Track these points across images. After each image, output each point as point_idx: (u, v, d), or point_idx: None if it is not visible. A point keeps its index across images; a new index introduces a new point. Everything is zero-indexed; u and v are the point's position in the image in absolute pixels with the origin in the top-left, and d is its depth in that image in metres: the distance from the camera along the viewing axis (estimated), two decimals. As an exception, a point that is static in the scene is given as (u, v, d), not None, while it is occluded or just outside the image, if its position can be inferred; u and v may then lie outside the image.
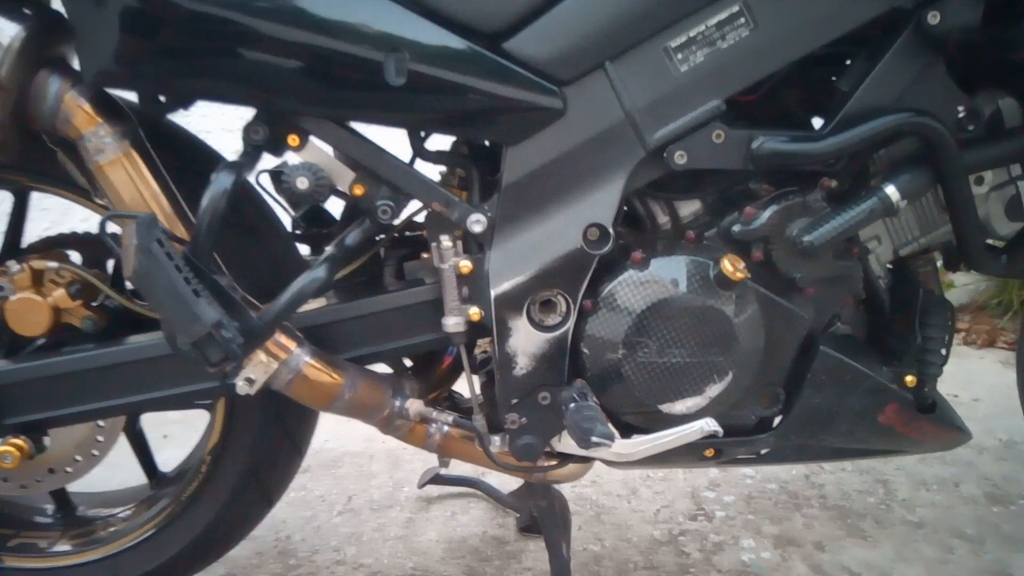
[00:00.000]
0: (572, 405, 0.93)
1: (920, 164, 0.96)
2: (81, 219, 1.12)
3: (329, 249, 0.92)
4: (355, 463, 1.80)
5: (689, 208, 1.03)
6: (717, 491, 1.61)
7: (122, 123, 0.86)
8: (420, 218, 1.17)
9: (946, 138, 0.93)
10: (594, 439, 0.85)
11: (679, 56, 0.91)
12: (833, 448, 1.11)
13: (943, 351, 1.08)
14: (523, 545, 1.45)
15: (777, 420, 1.06)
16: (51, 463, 1.03)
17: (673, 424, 0.98)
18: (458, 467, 1.74)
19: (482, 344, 1.09)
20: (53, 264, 0.93)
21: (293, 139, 0.89)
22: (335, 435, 1.90)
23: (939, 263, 1.14)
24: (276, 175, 1.21)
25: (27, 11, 0.81)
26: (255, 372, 0.88)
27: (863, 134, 0.92)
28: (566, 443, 1.01)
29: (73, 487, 1.18)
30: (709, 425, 0.95)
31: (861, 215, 0.94)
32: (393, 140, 0.97)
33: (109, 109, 0.86)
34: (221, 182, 0.84)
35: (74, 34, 0.80)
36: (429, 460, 1.75)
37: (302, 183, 0.85)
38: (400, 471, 1.75)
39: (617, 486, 1.64)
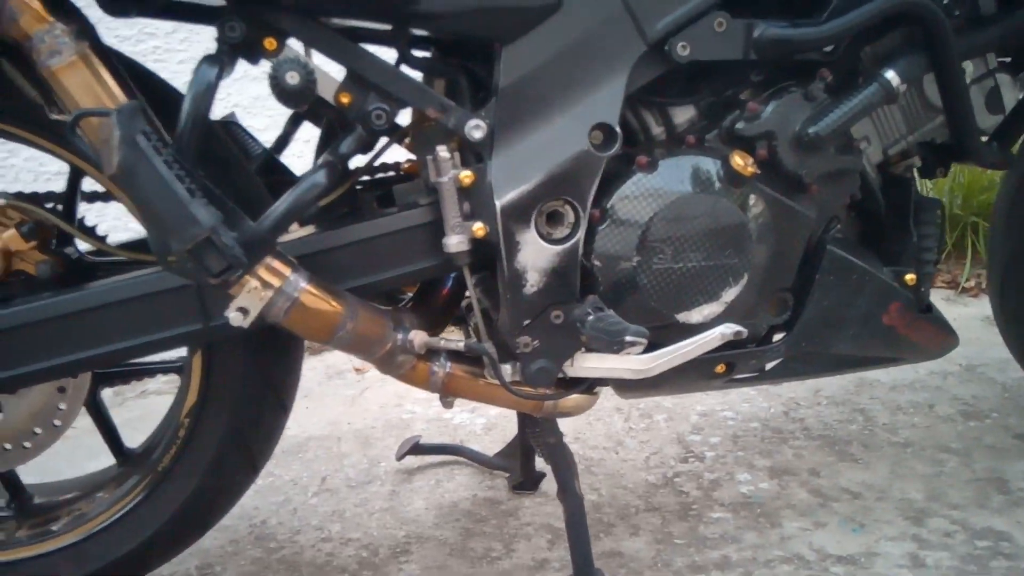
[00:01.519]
0: (591, 317, 0.88)
1: (913, 50, 0.96)
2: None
3: (324, 156, 0.83)
4: (322, 446, 1.70)
5: (683, 115, 0.99)
6: (702, 434, 1.58)
7: (76, 22, 0.75)
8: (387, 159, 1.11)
9: (941, 18, 0.92)
10: (628, 338, 0.80)
11: (675, -57, 0.87)
12: (838, 357, 1.09)
13: (936, 248, 1.08)
14: (518, 503, 1.38)
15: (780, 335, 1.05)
16: (6, 438, 0.90)
17: (689, 336, 0.94)
18: (435, 436, 1.67)
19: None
20: (1, 201, 0.81)
21: (270, 42, 0.80)
22: (296, 422, 1.78)
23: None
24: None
25: None
26: (249, 301, 0.78)
27: (864, 15, 0.90)
28: (579, 366, 0.95)
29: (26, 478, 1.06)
30: (729, 328, 0.91)
31: (864, 102, 0.93)
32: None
33: (60, 7, 0.75)
34: (203, 75, 0.74)
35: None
36: (401, 437, 1.68)
37: (292, 78, 0.76)
38: (372, 449, 1.66)
39: (602, 440, 1.59)
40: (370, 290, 0.93)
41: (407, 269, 0.93)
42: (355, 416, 1.84)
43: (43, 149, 0.90)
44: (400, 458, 1.54)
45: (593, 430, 1.63)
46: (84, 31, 0.76)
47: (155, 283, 0.84)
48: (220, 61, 0.76)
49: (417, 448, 1.55)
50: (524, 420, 1.32)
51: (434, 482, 1.49)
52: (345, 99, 0.84)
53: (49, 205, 0.94)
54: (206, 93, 0.74)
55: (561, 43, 0.87)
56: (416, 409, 1.84)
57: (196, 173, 0.72)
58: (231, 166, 0.96)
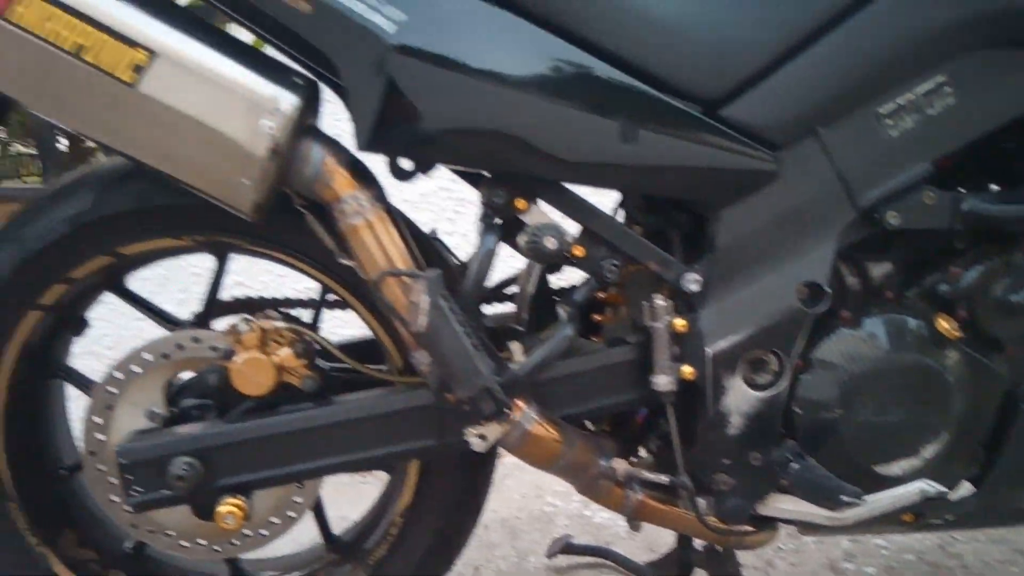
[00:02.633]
0: (795, 466, 0.93)
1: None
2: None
3: (565, 309, 0.93)
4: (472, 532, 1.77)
5: (880, 271, 1.04)
6: (855, 562, 1.57)
7: (375, 188, 0.89)
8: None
9: None
10: (845, 499, 0.85)
11: (889, 121, 0.94)
12: (1020, 511, 1.09)
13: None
14: (671, 616, 1.41)
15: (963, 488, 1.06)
16: (249, 526, 1.02)
17: (883, 486, 0.97)
18: (577, 533, 1.71)
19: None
20: (281, 324, 0.95)
21: (521, 203, 0.91)
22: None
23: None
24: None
25: (298, 80, 0.85)
26: (488, 429, 0.88)
27: (1069, 195, 0.94)
28: (772, 506, 1.00)
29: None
30: (931, 487, 0.94)
31: (1067, 275, 0.96)
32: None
33: (363, 174, 0.89)
34: (487, 243, 0.87)
35: (349, 101, 0.84)
36: (546, 531, 1.74)
37: (551, 243, 0.88)
38: (520, 541, 1.72)
39: (751, 558, 1.60)
40: (577, 419, 1.01)
41: (612, 401, 1.00)
42: (498, 503, 1.91)
43: (303, 271, 1.04)
44: (551, 556, 1.60)
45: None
46: (381, 197, 0.89)
47: (400, 401, 0.95)
48: (495, 229, 0.88)
49: (569, 548, 1.60)
50: (684, 536, 1.36)
51: (586, 585, 1.53)
52: (579, 252, 0.94)
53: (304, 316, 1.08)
54: (489, 259, 0.86)
55: (776, 208, 0.95)
56: (557, 503, 1.89)
57: (476, 327, 0.83)
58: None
